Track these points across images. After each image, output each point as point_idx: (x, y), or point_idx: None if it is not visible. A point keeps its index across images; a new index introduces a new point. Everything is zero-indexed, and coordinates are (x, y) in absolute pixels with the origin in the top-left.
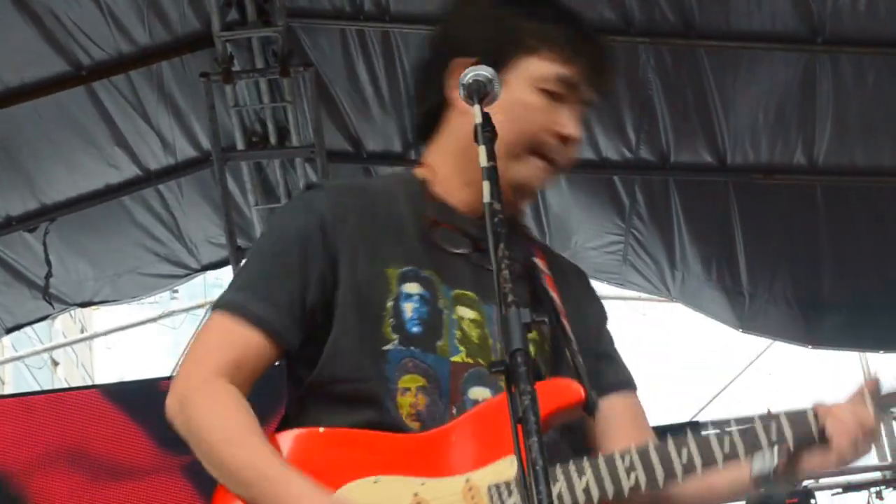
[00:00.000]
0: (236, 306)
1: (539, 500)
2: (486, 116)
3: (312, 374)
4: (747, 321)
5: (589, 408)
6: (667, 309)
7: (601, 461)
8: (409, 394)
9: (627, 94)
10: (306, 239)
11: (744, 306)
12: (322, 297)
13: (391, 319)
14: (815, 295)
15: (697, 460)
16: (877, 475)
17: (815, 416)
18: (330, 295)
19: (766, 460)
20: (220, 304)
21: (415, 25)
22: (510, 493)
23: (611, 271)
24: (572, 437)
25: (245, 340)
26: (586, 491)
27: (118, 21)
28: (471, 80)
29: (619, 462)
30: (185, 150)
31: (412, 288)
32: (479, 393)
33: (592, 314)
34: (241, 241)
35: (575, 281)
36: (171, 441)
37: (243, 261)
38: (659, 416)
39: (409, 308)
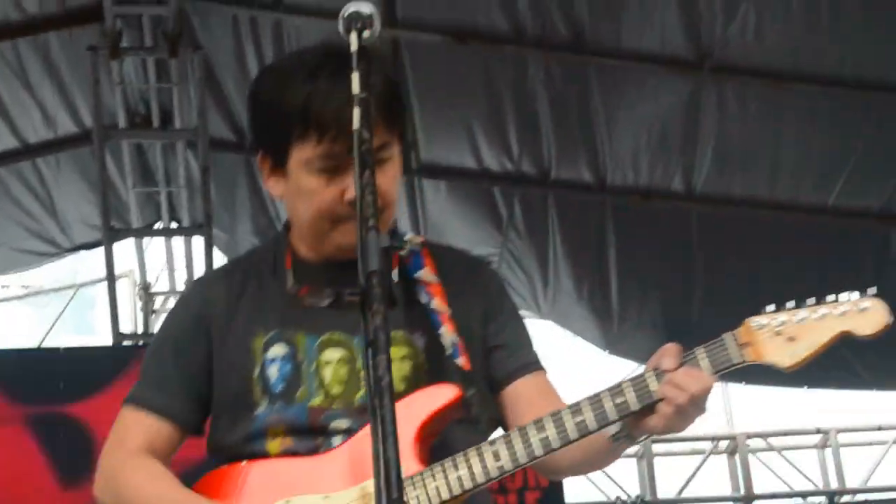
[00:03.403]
0: (138, 399)
1: (382, 416)
2: (362, 48)
3: (210, 444)
4: (615, 343)
5: (467, 404)
6: (536, 326)
7: (464, 456)
8: (276, 441)
9: (513, 105)
10: (186, 332)
11: (612, 327)
12: (207, 381)
13: (259, 386)
14: (685, 321)
15: (555, 439)
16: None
17: (656, 378)
18: (210, 374)
19: (616, 425)
20: (128, 398)
21: (308, 17)
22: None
23: None
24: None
25: (151, 426)
26: (459, 480)
27: None
28: (349, 13)
29: (486, 449)
30: (66, 126)
31: (276, 351)
32: (340, 423)
33: (480, 309)
34: (115, 223)
35: (465, 277)
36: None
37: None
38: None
39: (273, 371)
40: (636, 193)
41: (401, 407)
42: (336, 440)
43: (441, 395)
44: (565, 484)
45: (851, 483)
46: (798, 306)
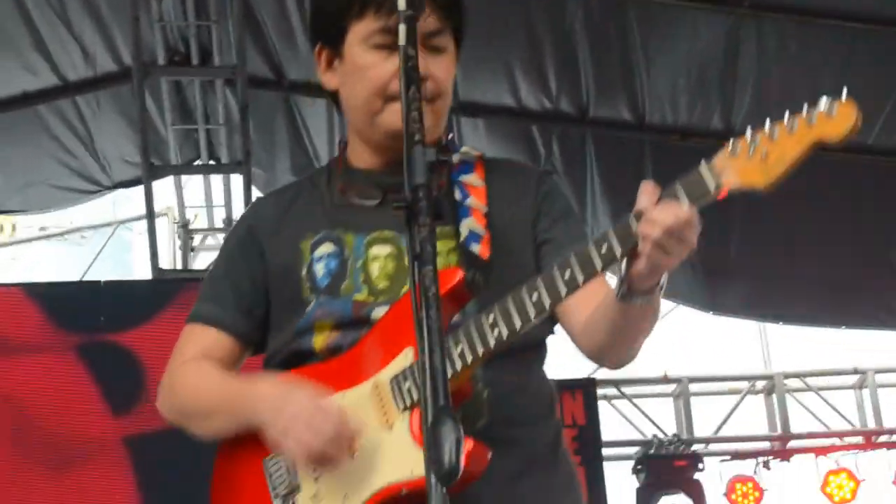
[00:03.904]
0: (192, 315)
1: (429, 326)
2: None
3: (266, 354)
4: None
5: (473, 286)
6: None
7: (469, 323)
8: (322, 335)
9: (552, 44)
10: (239, 245)
11: None
12: (261, 292)
13: (307, 284)
14: (722, 263)
15: (546, 299)
16: (765, 445)
17: (636, 221)
18: (265, 283)
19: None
20: (188, 318)
21: None
22: (405, 379)
23: None
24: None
25: (205, 336)
26: (461, 356)
27: None
28: None
29: (483, 319)
30: (106, 63)
31: (323, 250)
32: (382, 313)
33: (530, 211)
34: (154, 160)
35: (514, 182)
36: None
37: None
38: (557, 371)
39: (320, 268)
40: (675, 132)
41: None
42: None
43: (446, 277)
44: (602, 421)
45: (889, 423)
46: (773, 124)
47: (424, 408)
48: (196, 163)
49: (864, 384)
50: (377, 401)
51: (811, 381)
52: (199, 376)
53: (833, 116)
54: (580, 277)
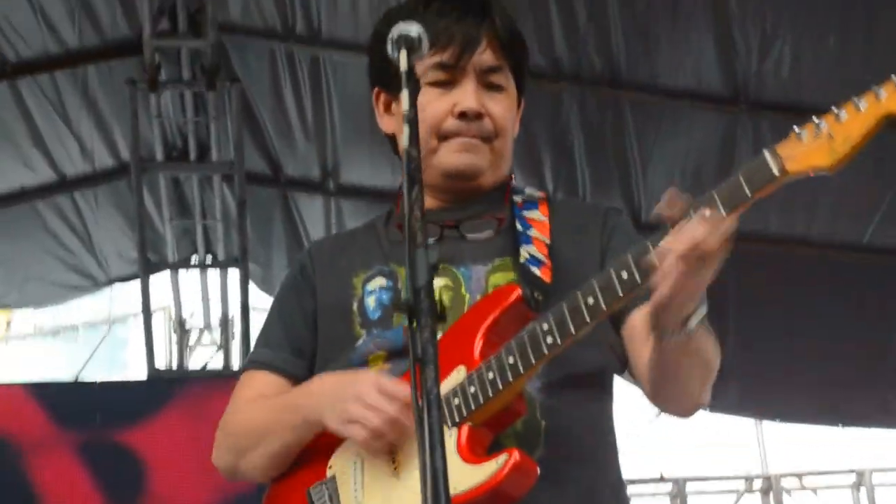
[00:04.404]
0: (248, 362)
1: (430, 426)
2: (411, 68)
3: None
4: None
5: (528, 301)
6: None
7: (522, 333)
8: (375, 367)
9: (548, 139)
10: (292, 286)
11: None
12: (311, 330)
13: (358, 318)
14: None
15: (556, 333)
16: None
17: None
18: (315, 326)
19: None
20: (243, 365)
21: (345, 51)
22: (455, 395)
23: None
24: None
25: (259, 380)
26: (512, 366)
27: (49, 20)
28: (397, 35)
29: (538, 327)
30: (104, 159)
31: (375, 284)
32: None
33: (596, 247)
34: (151, 256)
35: (581, 219)
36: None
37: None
38: None
39: (371, 301)
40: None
41: (469, 312)
42: None
43: (504, 294)
44: None
45: None
46: (840, 105)
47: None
48: (193, 259)
49: (861, 483)
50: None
51: (808, 480)
52: (251, 409)
53: None
54: (601, 307)
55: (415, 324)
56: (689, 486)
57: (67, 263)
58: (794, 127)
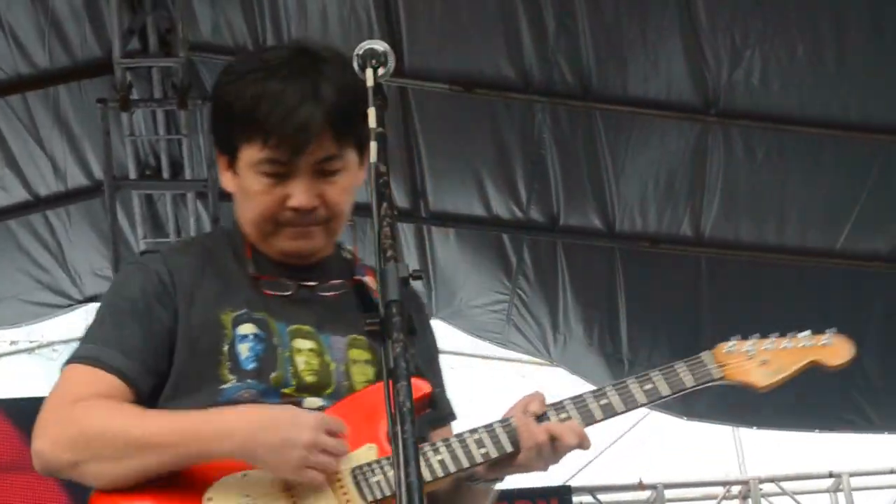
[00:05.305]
0: (90, 358)
1: (405, 441)
2: (378, 85)
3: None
4: None
5: (433, 403)
6: (547, 372)
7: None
8: None
9: (521, 152)
10: (148, 295)
11: (623, 373)
12: (167, 348)
13: (228, 362)
14: None
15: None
16: None
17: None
18: (172, 343)
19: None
20: (73, 359)
21: None
22: (373, 473)
23: (494, 330)
24: None
25: (104, 382)
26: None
27: (19, 42)
28: (364, 51)
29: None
30: (77, 178)
31: (246, 329)
32: (314, 402)
33: (427, 343)
34: None
35: (413, 307)
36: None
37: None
38: (533, 479)
39: (244, 349)
40: (645, 239)
41: (368, 391)
42: None
43: (418, 387)
44: None
45: None
46: (762, 338)
47: None
48: None
49: (839, 487)
50: (336, 482)
51: (786, 485)
52: (123, 415)
53: (826, 347)
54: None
55: (388, 338)
56: (668, 493)
57: (41, 282)
58: (723, 344)
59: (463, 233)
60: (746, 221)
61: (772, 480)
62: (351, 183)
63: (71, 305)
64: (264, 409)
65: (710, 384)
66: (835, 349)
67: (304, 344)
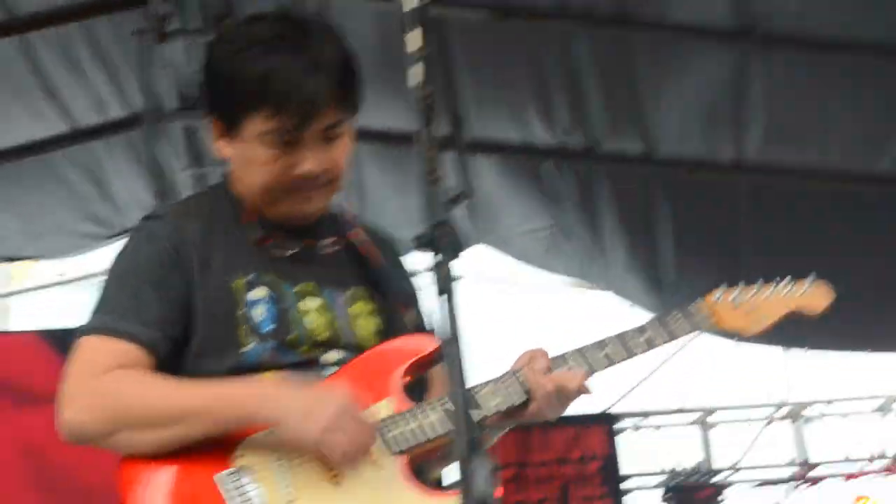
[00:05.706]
0: (107, 329)
1: (453, 357)
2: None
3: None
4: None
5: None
6: (588, 297)
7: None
8: (270, 374)
9: (560, 80)
10: (163, 264)
11: (665, 296)
12: (185, 314)
13: (245, 326)
14: None
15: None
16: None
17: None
18: (188, 310)
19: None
20: (88, 330)
21: None
22: (395, 425)
23: (536, 255)
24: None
25: (126, 352)
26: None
27: None
28: None
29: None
30: (117, 109)
31: (258, 293)
32: (331, 356)
33: (405, 288)
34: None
35: (390, 256)
36: None
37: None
38: (575, 405)
39: (258, 312)
40: (685, 165)
41: (394, 345)
42: (328, 371)
43: (429, 342)
44: (620, 454)
45: None
46: (746, 287)
47: (458, 439)
48: None
49: (890, 407)
50: None
51: (834, 407)
52: (151, 382)
53: (807, 294)
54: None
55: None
56: (713, 417)
57: (86, 213)
58: (710, 294)
59: (503, 160)
60: (788, 146)
61: (821, 402)
62: (350, 141)
63: (116, 235)
64: (295, 383)
65: (701, 332)
66: (815, 296)
67: (312, 302)
